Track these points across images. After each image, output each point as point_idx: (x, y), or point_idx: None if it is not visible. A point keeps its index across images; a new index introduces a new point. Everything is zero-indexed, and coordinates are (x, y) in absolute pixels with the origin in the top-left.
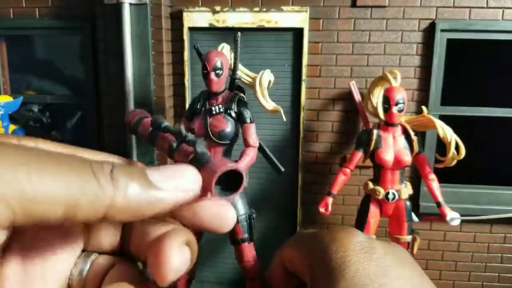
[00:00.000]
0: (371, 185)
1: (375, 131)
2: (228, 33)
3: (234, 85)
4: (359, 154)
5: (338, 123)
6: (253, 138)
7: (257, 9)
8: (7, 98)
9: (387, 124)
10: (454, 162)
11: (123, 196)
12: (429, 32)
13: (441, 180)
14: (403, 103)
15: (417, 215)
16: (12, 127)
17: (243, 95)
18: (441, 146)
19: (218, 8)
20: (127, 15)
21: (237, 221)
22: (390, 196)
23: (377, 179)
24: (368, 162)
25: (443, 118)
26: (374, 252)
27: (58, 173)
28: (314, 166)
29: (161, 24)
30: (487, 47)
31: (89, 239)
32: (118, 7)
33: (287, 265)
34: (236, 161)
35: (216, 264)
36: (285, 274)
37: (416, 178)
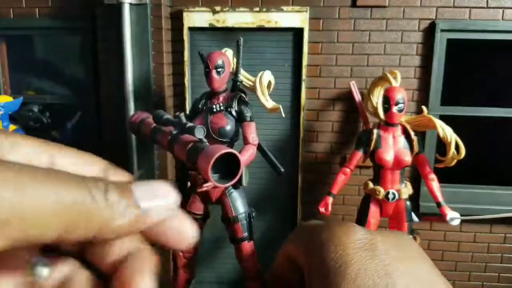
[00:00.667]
0: (371, 185)
1: (375, 131)
2: (228, 33)
3: (236, 88)
4: (359, 154)
5: (338, 123)
6: (253, 136)
7: (257, 9)
8: (7, 98)
9: (387, 124)
10: (454, 162)
11: (116, 217)
12: (429, 32)
13: (441, 180)
14: (403, 103)
15: (417, 215)
16: (12, 127)
17: (244, 95)
18: (441, 146)
19: (218, 8)
20: (127, 15)
21: (237, 220)
22: (390, 196)
23: (377, 179)
24: (368, 162)
25: (443, 118)
26: (376, 249)
27: (56, 192)
28: (314, 166)
29: (161, 24)
30: (487, 47)
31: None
32: (118, 7)
33: (290, 258)
34: None
35: (216, 264)
36: (289, 266)
37: (416, 178)
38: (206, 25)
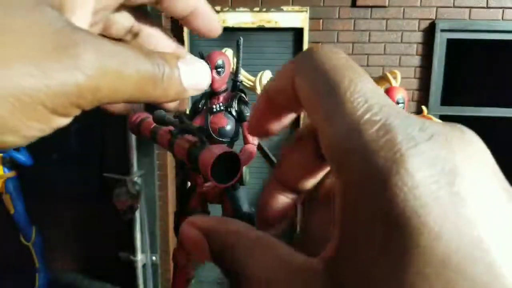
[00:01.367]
0: None
1: None
2: (228, 33)
3: (236, 87)
4: None
5: None
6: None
7: (257, 9)
8: None
9: None
10: None
11: (167, 89)
12: (429, 32)
13: None
14: (403, 103)
15: None
16: None
17: (244, 95)
18: None
19: (218, 8)
20: None
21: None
22: None
23: None
24: None
25: (443, 118)
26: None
27: (138, 66)
28: None
29: (161, 24)
30: (487, 47)
31: None
32: None
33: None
34: None
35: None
36: (293, 93)
37: None
38: None
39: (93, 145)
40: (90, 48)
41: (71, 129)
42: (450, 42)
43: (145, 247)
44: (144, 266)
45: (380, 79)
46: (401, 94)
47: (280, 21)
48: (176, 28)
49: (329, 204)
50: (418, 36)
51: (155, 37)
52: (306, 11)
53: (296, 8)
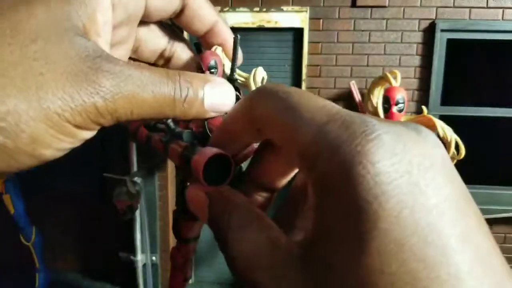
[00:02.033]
0: None
1: None
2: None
3: (233, 86)
4: None
5: None
6: None
7: (257, 9)
8: None
9: None
10: (454, 162)
11: (188, 109)
12: (429, 32)
13: None
14: (403, 103)
15: None
16: None
17: (239, 93)
18: None
19: (218, 8)
20: None
21: None
22: None
23: None
24: None
25: (443, 118)
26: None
27: (156, 88)
28: None
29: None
30: (487, 47)
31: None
32: None
33: (258, 125)
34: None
35: (216, 264)
36: (252, 131)
37: None
38: None
39: (93, 145)
40: (108, 75)
41: None
42: (450, 42)
43: (145, 247)
44: (144, 266)
45: (380, 79)
46: (401, 94)
47: (280, 21)
48: (176, 28)
49: (297, 198)
50: (418, 36)
51: (187, 65)
52: (306, 11)
53: (296, 8)
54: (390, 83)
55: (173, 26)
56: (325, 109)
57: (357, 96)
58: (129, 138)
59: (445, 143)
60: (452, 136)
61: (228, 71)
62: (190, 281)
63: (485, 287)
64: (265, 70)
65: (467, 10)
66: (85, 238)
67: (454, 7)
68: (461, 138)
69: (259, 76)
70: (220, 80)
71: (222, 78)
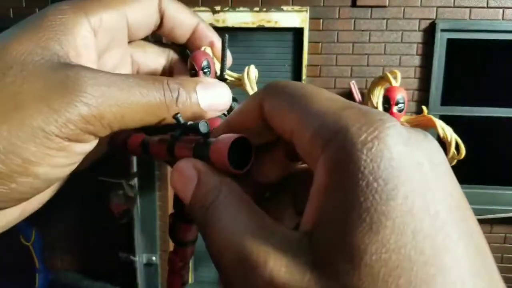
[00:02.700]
0: None
1: None
2: (228, 33)
3: None
4: None
5: None
6: None
7: (257, 9)
8: None
9: None
10: (454, 162)
11: (181, 111)
12: (429, 32)
13: None
14: (403, 103)
15: None
16: None
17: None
18: (441, 146)
19: (218, 8)
20: None
21: None
22: None
23: None
24: None
25: (443, 118)
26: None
27: (145, 96)
28: None
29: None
30: (487, 47)
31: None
32: None
33: (269, 121)
34: None
35: None
36: (262, 122)
37: None
38: None
39: None
40: (88, 81)
41: None
42: (450, 42)
43: (145, 247)
44: (144, 266)
45: (380, 79)
46: (401, 94)
47: (280, 21)
48: None
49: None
50: (418, 36)
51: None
52: (306, 11)
53: (296, 8)
54: (390, 83)
55: (168, 45)
56: (340, 99)
57: (357, 96)
58: (113, 152)
59: (445, 143)
60: (452, 136)
61: (218, 71)
62: (190, 281)
63: (482, 273)
64: (265, 70)
65: (467, 10)
66: (85, 238)
67: (454, 7)
68: (461, 138)
69: (252, 74)
70: (211, 80)
71: (213, 78)
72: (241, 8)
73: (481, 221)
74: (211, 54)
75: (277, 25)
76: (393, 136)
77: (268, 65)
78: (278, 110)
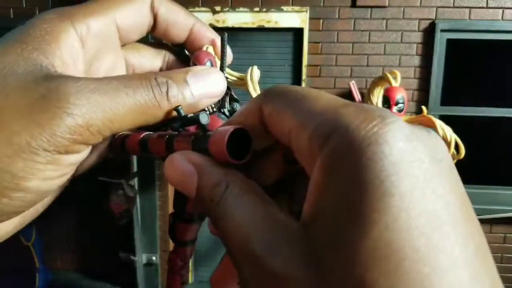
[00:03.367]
0: None
1: None
2: (228, 33)
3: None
4: None
5: None
6: None
7: (257, 9)
8: None
9: None
10: (454, 162)
11: (174, 106)
12: (429, 32)
13: None
14: (403, 103)
15: None
16: None
17: (232, 92)
18: None
19: (218, 8)
20: None
21: None
22: None
23: None
24: None
25: (443, 118)
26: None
27: (132, 98)
28: None
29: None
30: (487, 47)
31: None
32: None
33: (268, 125)
34: None
35: (216, 264)
36: (261, 126)
37: None
38: None
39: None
40: (71, 91)
41: None
42: (450, 42)
43: (145, 247)
44: (144, 266)
45: (380, 79)
46: (401, 94)
47: (280, 21)
48: None
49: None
50: (418, 36)
51: None
52: (306, 11)
53: (296, 8)
54: (390, 83)
55: (167, 45)
56: (338, 99)
57: (357, 96)
58: (113, 155)
59: (445, 143)
60: (452, 136)
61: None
62: (190, 281)
63: (481, 272)
64: (265, 70)
65: (467, 10)
66: (85, 238)
67: (454, 7)
68: (461, 138)
69: (255, 74)
70: (202, 67)
71: (204, 66)
72: (241, 9)
73: (481, 221)
74: (213, 53)
75: (277, 25)
76: (393, 132)
77: (268, 65)
78: (277, 113)
